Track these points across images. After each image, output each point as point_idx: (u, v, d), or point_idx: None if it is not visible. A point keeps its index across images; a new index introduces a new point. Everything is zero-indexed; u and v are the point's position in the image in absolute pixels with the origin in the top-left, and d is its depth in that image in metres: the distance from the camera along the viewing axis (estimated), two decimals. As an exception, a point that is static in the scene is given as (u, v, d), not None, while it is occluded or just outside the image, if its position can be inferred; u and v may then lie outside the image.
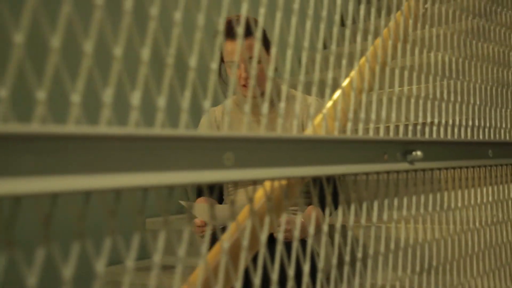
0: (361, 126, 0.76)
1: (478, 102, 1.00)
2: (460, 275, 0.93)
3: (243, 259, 0.54)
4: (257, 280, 0.53)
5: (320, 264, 0.60)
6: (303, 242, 1.44)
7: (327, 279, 1.50)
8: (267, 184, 0.68)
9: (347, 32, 0.68)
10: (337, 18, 0.70)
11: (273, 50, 0.61)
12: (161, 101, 0.46)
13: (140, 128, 0.43)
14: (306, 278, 0.61)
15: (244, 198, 1.51)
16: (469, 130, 0.97)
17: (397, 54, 0.87)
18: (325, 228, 0.68)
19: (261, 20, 0.61)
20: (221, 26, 0.55)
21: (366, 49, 2.64)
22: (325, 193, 0.66)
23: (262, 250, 0.55)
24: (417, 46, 0.87)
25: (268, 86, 0.55)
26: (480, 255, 1.00)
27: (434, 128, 0.89)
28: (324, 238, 0.65)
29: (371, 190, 1.41)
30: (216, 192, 1.67)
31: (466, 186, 0.96)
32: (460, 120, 0.94)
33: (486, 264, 1.02)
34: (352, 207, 0.72)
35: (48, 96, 1.96)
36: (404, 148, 0.75)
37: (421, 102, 0.86)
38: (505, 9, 1.13)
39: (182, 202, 1.33)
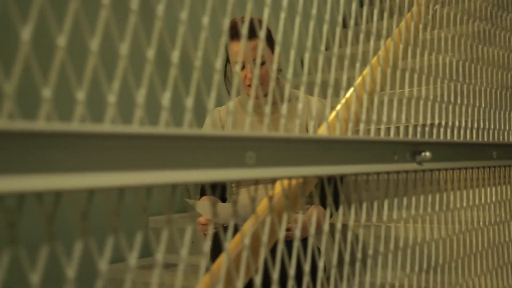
0: (370, 127, 0.78)
1: (483, 105, 1.02)
2: (464, 274, 0.96)
3: (263, 254, 0.57)
4: (275, 275, 0.56)
5: (321, 263, 0.62)
6: (306, 241, 1.46)
7: (327, 278, 1.52)
8: (280, 182, 0.71)
9: (349, 33, 0.70)
10: (340, 19, 0.72)
11: (277, 50, 0.62)
12: (189, 102, 0.48)
13: (170, 127, 0.45)
14: (307, 278, 0.63)
15: (246, 197, 1.53)
16: (474, 131, 0.99)
17: (407, 56, 0.89)
18: (325, 227, 0.70)
19: (265, 21, 0.63)
20: (226, 26, 0.57)
21: (367, 51, 2.66)
22: (326, 192, 0.68)
23: (281, 246, 0.57)
24: (425, 48, 0.89)
25: (271, 86, 0.57)
26: (483, 254, 1.02)
27: (441, 130, 0.92)
28: (324, 237, 0.67)
29: (372, 190, 1.43)
30: (219, 191, 1.69)
31: (471, 186, 0.98)
32: (466, 122, 0.96)
33: (488, 263, 1.04)
34: (353, 207, 0.74)
35: (53, 94, 1.98)
36: (413, 149, 0.78)
37: (429, 104, 0.88)
38: (510, 14, 1.16)
39: (188, 201, 1.35)
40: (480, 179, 1.00)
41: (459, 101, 0.94)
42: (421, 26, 0.86)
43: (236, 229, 1.34)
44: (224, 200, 1.68)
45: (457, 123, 0.93)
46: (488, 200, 1.04)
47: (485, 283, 1.03)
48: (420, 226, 1.27)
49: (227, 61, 1.57)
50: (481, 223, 1.01)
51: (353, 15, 0.73)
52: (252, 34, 1.48)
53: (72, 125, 0.38)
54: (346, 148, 0.65)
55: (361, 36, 0.69)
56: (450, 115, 0.92)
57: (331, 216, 1.62)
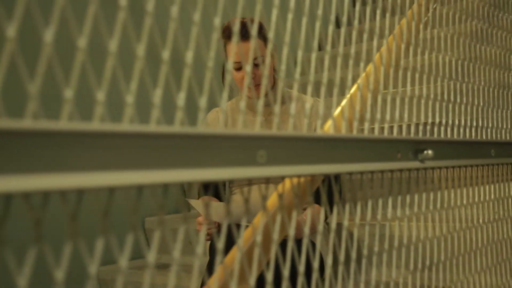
0: (368, 126, 0.79)
1: (481, 103, 1.04)
2: (464, 272, 0.97)
3: (273, 252, 0.57)
4: (269, 276, 0.56)
5: (316, 264, 0.62)
6: (301, 241, 1.47)
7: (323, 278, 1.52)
8: (288, 180, 0.71)
9: (342, 31, 0.71)
10: (332, 17, 0.73)
11: (269, 47, 0.63)
12: (203, 101, 0.49)
13: (186, 126, 0.46)
14: (301, 278, 0.63)
15: (240, 198, 1.53)
16: (473, 130, 1.00)
17: (406, 55, 0.90)
18: (320, 228, 0.71)
19: (257, 19, 0.63)
20: (217, 23, 0.57)
21: (361, 50, 2.68)
22: (320, 191, 0.68)
23: (290, 243, 0.58)
24: (424, 47, 0.90)
25: (262, 85, 0.57)
26: (481, 252, 1.03)
27: (441, 128, 0.93)
28: (319, 237, 0.67)
29: (367, 189, 1.44)
30: (215, 191, 1.69)
31: (470, 184, 0.99)
32: (465, 121, 0.97)
33: (488, 260, 1.05)
34: (347, 206, 0.75)
35: (39, 91, 1.97)
36: (415, 147, 0.78)
37: (430, 103, 0.89)
38: (506, 13, 1.17)
39: (189, 200, 1.35)
40: (479, 177, 1.02)
41: (458, 100, 0.95)
42: (421, 26, 0.87)
43: (234, 228, 1.34)
44: (222, 200, 1.68)
45: (457, 122, 0.94)
46: (487, 198, 1.06)
47: (484, 280, 1.05)
48: (419, 224, 1.28)
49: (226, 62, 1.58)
50: (480, 221, 1.03)
51: (345, 13, 0.74)
52: (249, 35, 1.48)
53: (91, 124, 0.38)
54: (352, 146, 0.65)
55: (354, 34, 0.70)
56: (450, 114, 0.93)
57: (326, 216, 1.63)
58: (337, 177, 1.38)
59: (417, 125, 0.94)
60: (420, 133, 0.88)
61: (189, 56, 0.50)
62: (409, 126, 0.88)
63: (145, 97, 2.26)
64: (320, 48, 3.42)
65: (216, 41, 0.52)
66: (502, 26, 1.15)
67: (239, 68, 1.50)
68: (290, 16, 0.65)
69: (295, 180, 0.73)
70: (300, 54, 0.61)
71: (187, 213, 2.36)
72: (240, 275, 0.69)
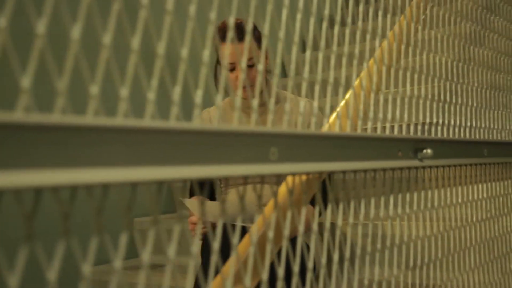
0: (370, 125, 0.80)
1: (474, 104, 1.06)
2: (456, 270, 0.99)
3: (284, 247, 0.58)
4: (264, 276, 0.57)
5: (310, 264, 0.63)
6: (295, 240, 1.48)
7: (317, 277, 1.54)
8: (291, 178, 0.72)
9: (336, 28, 0.72)
10: (326, 12, 0.74)
11: (263, 45, 0.63)
12: (198, 97, 0.49)
13: (200, 123, 0.46)
14: (296, 279, 0.64)
15: (235, 197, 1.54)
16: (467, 130, 1.02)
17: (403, 55, 0.92)
18: (314, 227, 0.72)
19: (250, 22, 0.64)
20: (213, 16, 0.58)
21: (361, 50, 2.70)
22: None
23: (300, 239, 0.59)
24: (419, 48, 0.91)
25: (258, 82, 0.58)
26: (473, 250, 1.05)
27: (437, 128, 0.95)
28: (313, 236, 0.68)
29: (360, 188, 1.46)
30: (207, 191, 1.69)
31: (465, 183, 1.01)
32: (460, 121, 0.99)
33: (480, 258, 1.07)
34: (341, 206, 0.76)
35: (32, 84, 1.95)
36: (415, 146, 0.80)
37: (427, 103, 0.91)
38: (497, 16, 1.20)
39: (183, 200, 1.35)
40: (473, 176, 1.04)
41: (454, 100, 0.97)
42: (418, 27, 0.89)
43: (226, 228, 1.35)
44: (213, 200, 1.68)
45: (452, 122, 0.96)
46: (480, 197, 1.08)
47: (476, 278, 1.07)
48: (411, 223, 1.30)
49: (218, 62, 1.58)
50: (474, 219, 1.05)
51: (339, 12, 0.75)
52: (243, 36, 1.49)
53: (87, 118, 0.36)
54: (357, 144, 0.66)
55: (347, 33, 0.71)
56: (446, 114, 0.94)
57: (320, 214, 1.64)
58: (330, 176, 1.39)
59: (413, 125, 0.95)
60: (415, 133, 0.89)
61: (184, 51, 0.50)
62: (406, 125, 0.89)
63: (140, 92, 2.26)
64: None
65: (211, 34, 0.52)
66: (494, 28, 1.17)
67: (232, 69, 1.51)
68: (284, 11, 0.66)
69: (297, 178, 0.74)
70: (308, 53, 0.61)
71: (178, 213, 2.35)
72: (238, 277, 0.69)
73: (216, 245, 0.53)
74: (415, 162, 0.80)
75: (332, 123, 0.76)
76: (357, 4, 3.17)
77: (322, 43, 0.65)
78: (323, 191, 1.52)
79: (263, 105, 1.59)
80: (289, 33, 3.00)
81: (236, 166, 0.50)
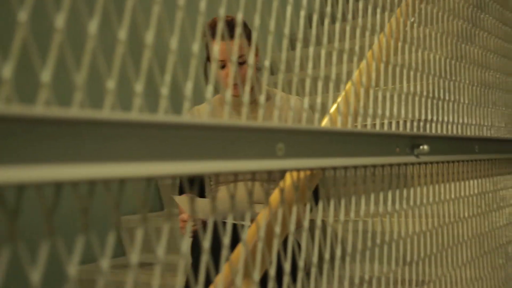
0: (367, 121, 0.80)
1: (466, 101, 1.07)
2: (448, 266, 1.00)
3: (290, 242, 0.58)
4: (255, 275, 0.57)
5: (301, 262, 0.63)
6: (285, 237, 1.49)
7: (307, 274, 1.54)
8: (294, 175, 0.72)
9: (326, 21, 0.72)
10: (317, 4, 0.74)
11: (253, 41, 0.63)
12: (188, 90, 0.49)
13: (214, 119, 0.46)
14: (287, 278, 0.64)
15: (226, 194, 1.54)
16: (459, 127, 1.04)
17: (392, 52, 0.92)
18: (305, 223, 0.72)
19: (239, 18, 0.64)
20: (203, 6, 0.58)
21: (352, 47, 2.71)
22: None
23: (305, 235, 0.59)
24: (413, 45, 0.92)
25: (248, 79, 0.58)
26: (465, 245, 1.06)
27: (429, 124, 0.96)
28: (305, 234, 0.68)
29: (350, 185, 1.47)
30: (197, 189, 1.69)
31: (457, 179, 1.02)
32: (453, 118, 1.00)
33: (470, 253, 1.09)
34: (332, 203, 0.76)
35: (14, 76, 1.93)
36: (412, 142, 0.81)
37: (417, 99, 0.92)
38: (487, 15, 1.21)
39: (175, 197, 1.35)
40: (465, 172, 1.05)
41: (447, 97, 0.98)
42: (412, 24, 0.90)
43: (216, 225, 1.35)
44: (203, 197, 1.68)
45: (445, 118, 0.97)
46: (471, 193, 1.09)
47: (468, 273, 1.08)
48: (400, 220, 1.31)
49: (208, 60, 1.58)
50: (466, 215, 1.06)
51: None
52: (233, 34, 1.49)
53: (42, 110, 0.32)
54: (358, 140, 0.67)
55: (337, 27, 0.72)
56: (440, 111, 0.95)
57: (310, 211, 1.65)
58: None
59: (405, 121, 0.96)
60: (411, 130, 0.90)
61: (173, 42, 0.50)
62: (399, 122, 0.90)
63: (128, 85, 2.24)
64: (293, 47, 3.45)
65: (201, 25, 0.52)
66: (484, 26, 1.19)
67: (223, 66, 1.51)
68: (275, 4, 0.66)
69: (295, 175, 0.74)
70: (311, 49, 0.62)
71: (168, 211, 2.34)
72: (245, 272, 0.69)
73: (206, 244, 0.51)
74: (412, 158, 0.81)
75: (334, 119, 0.76)
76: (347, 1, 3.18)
77: (313, 38, 0.65)
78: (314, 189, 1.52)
79: (253, 102, 1.59)
80: (280, 27, 3.00)
81: (244, 162, 0.50)
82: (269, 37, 0.64)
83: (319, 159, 0.59)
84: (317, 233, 0.71)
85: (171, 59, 0.47)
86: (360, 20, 0.77)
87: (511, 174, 1.32)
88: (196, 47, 0.50)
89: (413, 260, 0.91)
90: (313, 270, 0.65)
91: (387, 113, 0.84)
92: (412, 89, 0.87)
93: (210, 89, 0.50)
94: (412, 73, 0.93)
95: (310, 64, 0.67)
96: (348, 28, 0.71)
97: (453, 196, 1.01)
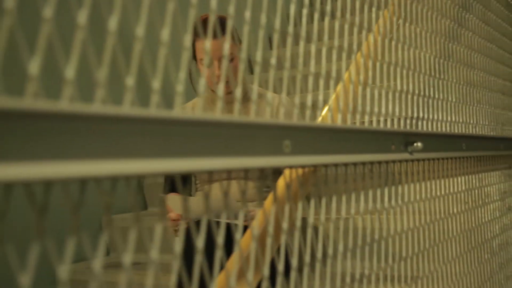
0: (361, 119, 0.81)
1: (454, 99, 1.09)
2: (435, 262, 1.01)
3: (269, 245, 0.58)
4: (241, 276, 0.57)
5: (294, 262, 0.63)
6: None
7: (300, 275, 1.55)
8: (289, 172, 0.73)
9: (316, 15, 0.73)
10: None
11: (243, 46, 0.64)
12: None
13: (222, 115, 0.46)
14: (280, 278, 0.65)
15: (219, 192, 1.53)
16: (448, 124, 1.05)
17: (387, 50, 0.94)
18: (298, 223, 0.72)
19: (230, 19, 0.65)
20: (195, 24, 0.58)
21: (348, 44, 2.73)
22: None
23: (310, 231, 0.59)
24: (402, 43, 0.94)
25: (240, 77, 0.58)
26: (454, 241, 1.08)
27: (420, 122, 0.97)
28: (297, 234, 0.68)
29: (341, 183, 1.48)
30: (188, 187, 1.68)
31: (446, 176, 1.04)
32: (442, 115, 1.02)
33: (458, 249, 1.11)
34: (323, 201, 0.77)
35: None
36: (406, 140, 0.82)
37: (410, 97, 0.93)
38: (471, 15, 1.24)
39: (166, 196, 1.34)
40: (453, 169, 1.07)
41: (436, 95, 1.00)
42: (400, 22, 0.91)
43: (209, 224, 1.35)
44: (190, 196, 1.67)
45: (435, 116, 0.99)
46: (459, 190, 1.11)
47: (454, 268, 1.10)
48: (389, 217, 1.33)
49: (193, 58, 1.57)
50: (454, 211, 1.08)
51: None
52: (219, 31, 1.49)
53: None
54: (358, 138, 0.68)
55: (325, 25, 0.72)
56: (430, 109, 0.97)
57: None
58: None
59: (396, 119, 0.98)
60: (405, 127, 0.91)
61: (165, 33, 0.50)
62: (389, 120, 0.91)
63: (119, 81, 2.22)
64: (271, 47, 3.46)
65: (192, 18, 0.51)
66: (468, 26, 1.21)
67: (208, 65, 1.50)
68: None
69: (293, 172, 0.75)
70: (302, 44, 0.62)
71: (160, 211, 2.33)
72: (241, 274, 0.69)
73: (200, 243, 0.50)
74: (406, 155, 0.82)
75: (334, 116, 0.77)
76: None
77: (303, 33, 0.65)
78: None
79: (241, 100, 1.59)
80: (270, 21, 3.01)
81: (252, 159, 0.51)
82: (260, 32, 0.64)
83: (322, 156, 0.60)
84: (309, 232, 0.72)
85: (162, 52, 0.47)
86: (348, 16, 0.78)
87: (495, 171, 1.35)
88: (188, 39, 0.49)
89: (402, 257, 0.92)
90: (306, 269, 0.66)
91: (380, 110, 0.85)
92: (402, 87, 0.89)
93: (202, 83, 0.48)
94: (400, 70, 0.94)
95: (300, 60, 0.68)
96: (336, 25, 0.71)
97: (442, 192, 1.02)
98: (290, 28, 0.60)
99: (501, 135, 1.42)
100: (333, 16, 2.99)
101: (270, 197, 0.75)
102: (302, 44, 0.59)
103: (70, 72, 0.33)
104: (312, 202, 0.70)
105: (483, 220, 1.24)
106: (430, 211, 1.01)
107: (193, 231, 0.53)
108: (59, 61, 0.32)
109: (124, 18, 2.27)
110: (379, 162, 0.76)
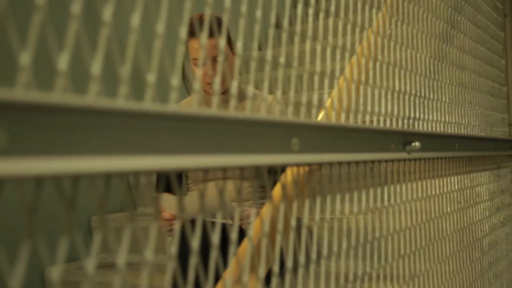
0: (361, 118, 0.82)
1: (447, 100, 1.10)
2: (430, 260, 1.03)
3: (264, 245, 0.59)
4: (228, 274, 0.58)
5: (289, 263, 0.63)
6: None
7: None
8: (292, 171, 0.73)
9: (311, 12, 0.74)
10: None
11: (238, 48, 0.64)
12: (175, 80, 0.50)
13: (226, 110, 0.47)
14: (275, 279, 0.65)
15: (214, 191, 1.53)
16: (441, 125, 1.07)
17: (384, 50, 0.95)
18: (293, 222, 0.73)
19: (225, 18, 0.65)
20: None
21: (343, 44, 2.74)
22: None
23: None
24: (398, 44, 0.95)
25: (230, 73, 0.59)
26: (448, 240, 1.10)
27: (415, 122, 0.98)
28: (292, 234, 0.68)
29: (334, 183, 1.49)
30: (180, 187, 1.68)
31: (440, 176, 1.05)
32: (436, 116, 1.03)
33: (451, 248, 1.12)
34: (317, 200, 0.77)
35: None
36: (404, 139, 0.83)
37: (407, 98, 0.94)
38: (463, 17, 1.25)
39: (160, 195, 1.33)
40: (447, 168, 1.08)
41: (431, 96, 1.01)
42: (395, 22, 0.92)
43: (203, 224, 1.35)
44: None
45: (430, 116, 1.00)
46: (452, 189, 1.13)
47: (448, 267, 1.11)
48: (379, 217, 1.34)
49: (185, 58, 1.57)
50: (448, 210, 1.09)
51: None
52: (211, 32, 1.49)
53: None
54: (361, 137, 0.68)
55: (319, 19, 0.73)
56: (426, 109, 0.98)
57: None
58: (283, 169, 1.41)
59: (390, 119, 0.99)
60: (402, 127, 0.92)
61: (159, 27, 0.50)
62: (389, 120, 0.93)
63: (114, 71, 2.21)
64: (260, 48, 3.47)
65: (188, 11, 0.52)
66: (460, 28, 1.23)
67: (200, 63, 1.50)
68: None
69: (297, 171, 0.75)
70: (302, 44, 0.63)
71: (153, 211, 2.31)
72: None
73: (195, 243, 0.48)
74: (404, 155, 0.83)
75: (337, 114, 0.77)
76: None
77: (298, 27, 0.66)
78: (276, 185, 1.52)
79: (228, 101, 1.59)
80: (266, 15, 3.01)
81: (263, 156, 0.51)
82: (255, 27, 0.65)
83: (328, 154, 0.61)
84: (304, 232, 0.72)
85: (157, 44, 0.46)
86: (343, 16, 0.79)
87: (485, 171, 1.37)
88: (183, 31, 0.49)
89: (396, 256, 0.93)
90: (301, 270, 0.66)
91: (379, 110, 0.86)
92: (400, 87, 0.90)
93: (196, 82, 0.48)
94: (396, 70, 0.95)
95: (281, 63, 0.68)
96: (340, 24, 0.72)
97: (437, 192, 1.04)
98: (298, 27, 0.61)
99: (491, 136, 1.45)
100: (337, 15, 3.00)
101: (277, 193, 0.75)
102: (308, 43, 0.60)
103: (96, 68, 0.33)
104: (317, 201, 0.70)
105: (474, 220, 1.26)
106: (425, 211, 1.02)
107: (188, 231, 0.53)
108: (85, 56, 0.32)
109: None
110: (379, 161, 0.77)
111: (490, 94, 1.50)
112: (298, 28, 0.61)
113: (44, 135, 0.29)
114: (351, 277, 0.79)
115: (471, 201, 1.25)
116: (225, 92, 1.57)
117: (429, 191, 1.03)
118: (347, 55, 0.77)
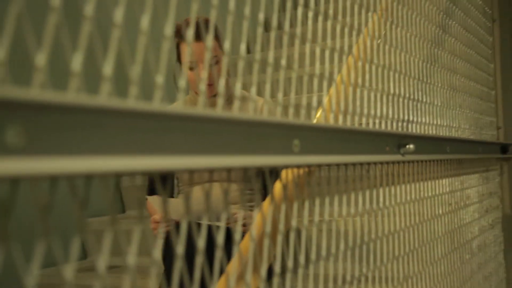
0: (364, 120, 0.83)
1: (439, 103, 1.12)
2: (422, 263, 1.04)
3: (252, 248, 0.59)
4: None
5: (277, 267, 0.63)
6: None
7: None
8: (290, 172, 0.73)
9: (305, 12, 0.75)
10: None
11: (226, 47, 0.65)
12: (159, 78, 0.50)
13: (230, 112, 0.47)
14: (276, 279, 0.65)
15: (200, 194, 1.53)
16: (434, 127, 1.08)
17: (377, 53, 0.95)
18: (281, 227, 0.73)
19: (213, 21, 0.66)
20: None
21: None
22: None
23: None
24: (391, 47, 0.96)
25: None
26: (439, 242, 1.11)
27: (408, 125, 0.99)
28: (280, 238, 0.68)
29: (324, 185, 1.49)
30: (168, 190, 1.67)
31: (433, 178, 1.06)
32: (429, 119, 1.04)
33: (442, 250, 1.13)
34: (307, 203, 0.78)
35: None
36: (399, 141, 0.84)
37: (401, 101, 0.95)
38: (454, 21, 1.27)
39: (148, 198, 1.33)
40: (438, 171, 1.09)
41: (424, 99, 1.02)
42: (388, 26, 0.93)
43: (190, 226, 1.34)
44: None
45: (423, 119, 1.01)
46: (443, 191, 1.14)
47: (439, 269, 1.12)
48: (371, 220, 1.35)
49: (178, 61, 1.57)
50: (440, 212, 1.10)
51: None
52: (203, 35, 1.49)
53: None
54: (358, 139, 0.69)
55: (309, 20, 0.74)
56: (419, 112, 0.99)
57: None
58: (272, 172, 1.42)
59: (386, 122, 0.99)
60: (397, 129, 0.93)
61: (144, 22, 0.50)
62: (384, 122, 0.93)
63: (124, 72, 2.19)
64: (249, 51, 3.48)
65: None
66: (451, 33, 1.25)
67: (192, 67, 1.50)
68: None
69: (290, 173, 0.76)
70: (309, 46, 0.63)
71: (140, 213, 2.30)
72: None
73: (180, 249, 0.47)
74: (398, 157, 0.84)
75: (336, 116, 0.78)
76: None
77: (286, 26, 0.66)
78: (264, 188, 1.53)
79: (226, 101, 1.59)
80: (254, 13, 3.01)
81: (265, 157, 0.51)
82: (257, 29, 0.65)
83: (327, 156, 0.61)
84: (292, 235, 0.72)
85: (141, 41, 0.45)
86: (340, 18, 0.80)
87: (474, 174, 1.38)
88: (168, 29, 0.48)
89: (390, 258, 0.94)
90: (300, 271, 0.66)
91: (375, 112, 0.86)
92: (395, 90, 0.90)
93: (182, 86, 0.46)
94: (390, 73, 0.96)
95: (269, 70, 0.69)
96: (338, 27, 0.73)
97: (429, 194, 1.05)
98: (298, 30, 0.61)
99: (480, 139, 1.46)
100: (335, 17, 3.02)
101: (278, 193, 0.76)
102: (308, 45, 0.60)
103: (108, 69, 0.33)
104: (312, 203, 0.71)
105: (464, 222, 1.27)
106: (418, 213, 1.03)
107: (173, 234, 0.52)
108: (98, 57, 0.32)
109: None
110: (375, 163, 0.77)
111: (479, 98, 1.51)
112: (298, 30, 0.62)
113: (58, 135, 0.29)
114: (348, 278, 0.80)
115: (462, 204, 1.26)
116: (216, 95, 1.57)
117: (422, 193, 1.04)
118: (344, 57, 0.78)
